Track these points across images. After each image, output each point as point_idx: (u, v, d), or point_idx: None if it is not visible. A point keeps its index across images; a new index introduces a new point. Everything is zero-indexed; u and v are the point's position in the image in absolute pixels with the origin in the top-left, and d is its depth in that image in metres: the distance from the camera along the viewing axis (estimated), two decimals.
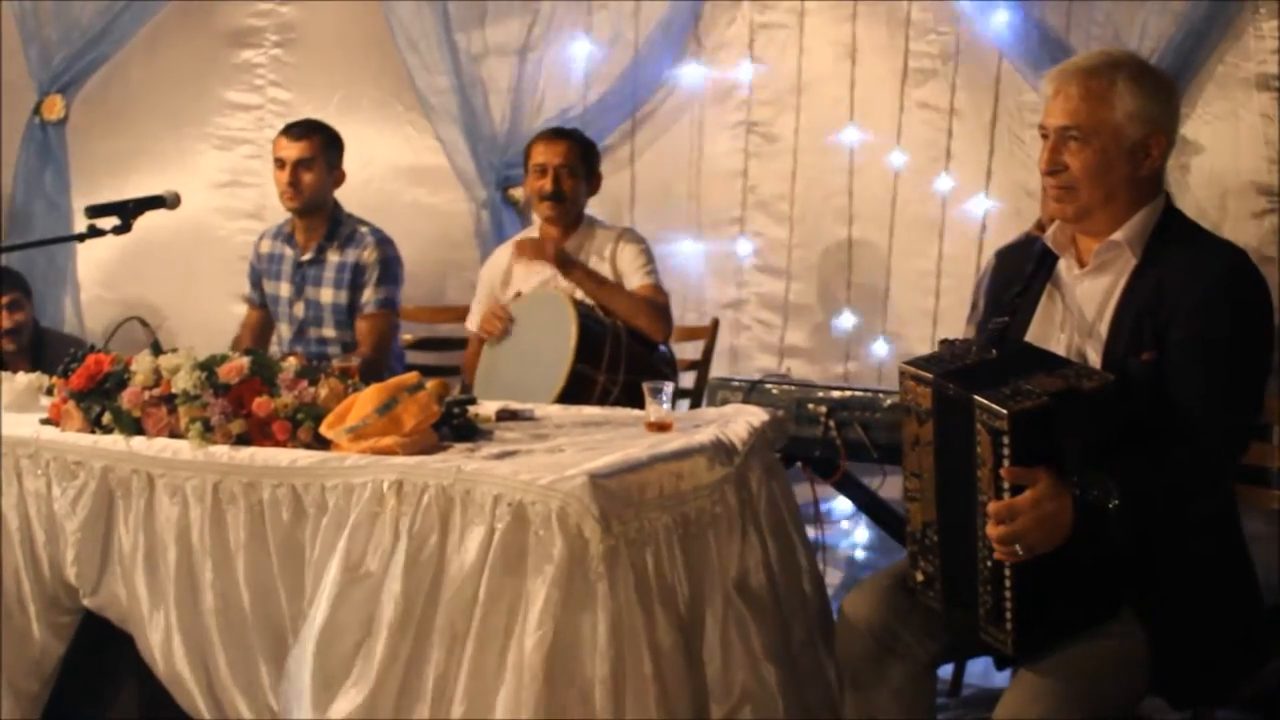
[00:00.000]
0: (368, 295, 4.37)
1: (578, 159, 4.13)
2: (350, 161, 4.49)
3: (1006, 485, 2.22)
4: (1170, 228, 2.45)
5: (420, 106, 5.01)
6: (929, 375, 2.36)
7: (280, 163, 4.35)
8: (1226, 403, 2.34)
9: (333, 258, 4.40)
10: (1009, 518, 2.22)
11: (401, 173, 5.11)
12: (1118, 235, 2.44)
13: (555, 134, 4.22)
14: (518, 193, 4.89)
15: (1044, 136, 2.47)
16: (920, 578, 2.48)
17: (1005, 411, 2.18)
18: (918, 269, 4.55)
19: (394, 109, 5.11)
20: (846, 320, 4.66)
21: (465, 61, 4.91)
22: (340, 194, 4.48)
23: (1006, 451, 2.20)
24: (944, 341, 2.49)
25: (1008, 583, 2.27)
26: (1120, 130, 2.41)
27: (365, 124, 5.06)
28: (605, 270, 4.08)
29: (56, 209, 5.25)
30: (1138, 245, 2.44)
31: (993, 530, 2.24)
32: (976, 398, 2.23)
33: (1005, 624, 2.30)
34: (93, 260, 5.29)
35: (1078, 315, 2.49)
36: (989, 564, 2.29)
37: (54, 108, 5.26)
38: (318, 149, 4.33)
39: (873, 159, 4.56)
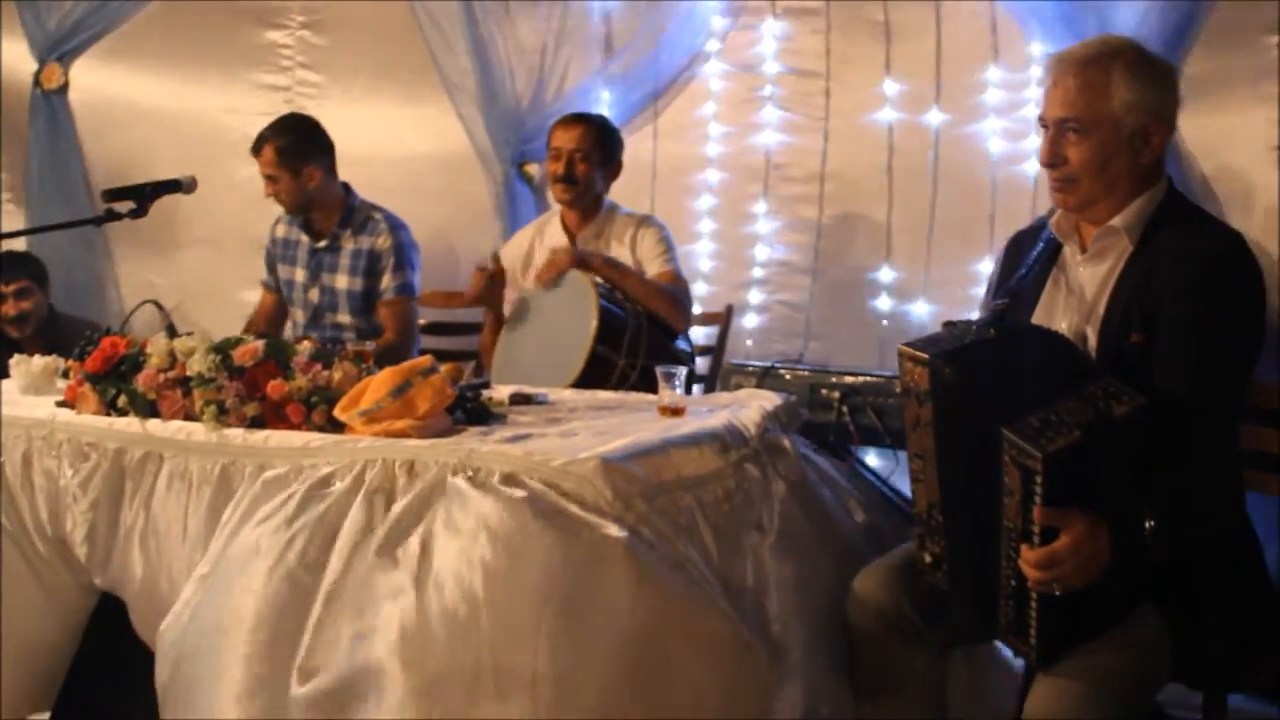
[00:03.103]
0: (386, 282, 4.38)
1: (593, 144, 4.12)
2: (374, 142, 4.48)
3: (1037, 526, 2.17)
4: (1168, 213, 2.45)
5: (443, 85, 5.00)
6: (925, 356, 2.34)
7: None
8: (1211, 380, 2.31)
9: (348, 244, 4.41)
10: (1049, 565, 2.17)
11: (425, 154, 5.11)
12: (1116, 221, 2.45)
13: (573, 119, 4.21)
14: (533, 169, 4.90)
15: (1044, 128, 2.47)
16: (928, 559, 2.48)
17: (1040, 454, 2.10)
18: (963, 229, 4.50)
19: (418, 89, 5.10)
20: (886, 275, 4.61)
21: (487, 38, 4.90)
22: (362, 176, 4.49)
23: (1038, 490, 2.14)
24: (947, 324, 2.48)
25: (1033, 603, 2.24)
26: (1119, 121, 2.41)
27: (389, 104, 5.09)
28: (625, 256, 4.06)
29: (69, 181, 5.24)
30: (1135, 231, 2.44)
31: (1031, 573, 2.19)
32: (1006, 433, 2.16)
33: (1029, 638, 2.28)
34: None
35: (1079, 299, 2.50)
36: (1013, 582, 2.26)
37: (53, 76, 5.24)
38: (273, 164, 4.34)
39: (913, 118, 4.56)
